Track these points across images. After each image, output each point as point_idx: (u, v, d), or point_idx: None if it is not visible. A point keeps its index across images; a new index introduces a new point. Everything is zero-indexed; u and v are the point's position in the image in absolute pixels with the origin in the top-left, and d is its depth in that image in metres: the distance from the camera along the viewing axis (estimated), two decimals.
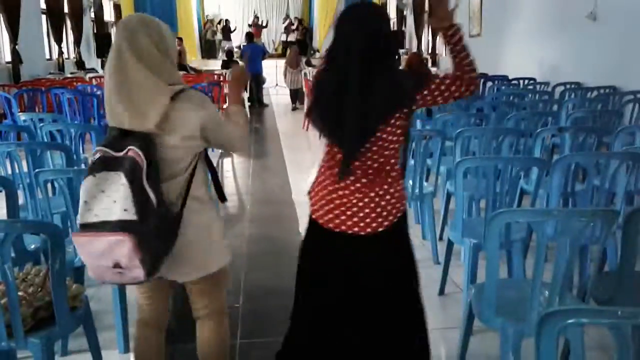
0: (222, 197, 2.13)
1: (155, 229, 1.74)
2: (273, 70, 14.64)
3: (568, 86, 6.78)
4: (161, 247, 1.79)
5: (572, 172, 3.36)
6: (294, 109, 12.09)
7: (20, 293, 2.03)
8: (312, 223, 2.08)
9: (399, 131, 1.92)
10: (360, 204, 1.96)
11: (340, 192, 1.98)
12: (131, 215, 1.68)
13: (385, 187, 1.96)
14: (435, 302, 3.22)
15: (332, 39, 1.94)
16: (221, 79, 10.54)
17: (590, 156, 3.09)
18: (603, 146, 4.09)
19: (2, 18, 9.80)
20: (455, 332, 2.67)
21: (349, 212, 1.97)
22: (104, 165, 1.72)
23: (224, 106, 9.56)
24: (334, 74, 1.91)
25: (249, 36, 13.26)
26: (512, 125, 4.35)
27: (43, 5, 11.74)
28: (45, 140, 4.13)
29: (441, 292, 3.30)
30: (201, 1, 22.30)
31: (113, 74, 1.80)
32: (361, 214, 1.96)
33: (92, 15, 14.75)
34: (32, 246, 2.85)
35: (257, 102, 12.28)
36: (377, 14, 1.98)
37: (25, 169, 3.35)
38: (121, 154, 1.73)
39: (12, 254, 2.25)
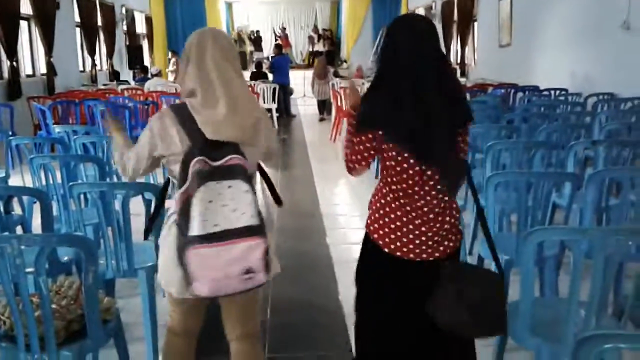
0: (278, 201, 2.15)
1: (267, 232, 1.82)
2: (301, 80, 14.73)
3: (601, 97, 6.65)
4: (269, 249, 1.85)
5: (607, 187, 3.28)
6: (321, 119, 12.13)
7: (53, 306, 2.05)
8: (380, 252, 1.99)
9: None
10: (446, 226, 1.94)
11: (426, 215, 1.92)
12: (257, 220, 1.75)
13: (455, 205, 1.97)
14: None
15: (390, 52, 1.89)
16: (250, 90, 10.62)
17: (625, 170, 3.02)
18: (638, 160, 4.00)
19: (38, 31, 10.07)
20: (488, 350, 2.61)
21: (435, 238, 1.93)
22: (209, 175, 1.75)
23: None
24: (404, 84, 1.82)
25: (278, 47, 13.36)
26: (544, 138, 4.28)
27: (77, 19, 12.02)
28: (79, 151, 4.21)
29: None
30: (230, 13, 22.59)
31: (224, 90, 1.85)
32: (443, 237, 1.94)
33: (125, 27, 15.05)
34: (65, 258, 2.89)
35: (285, 113, 12.34)
36: (431, 23, 1.99)
37: (59, 180, 3.42)
38: (220, 162, 1.76)
39: (46, 266, 2.28)
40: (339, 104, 9.61)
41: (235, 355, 2.12)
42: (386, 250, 1.95)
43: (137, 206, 3.05)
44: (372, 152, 1.92)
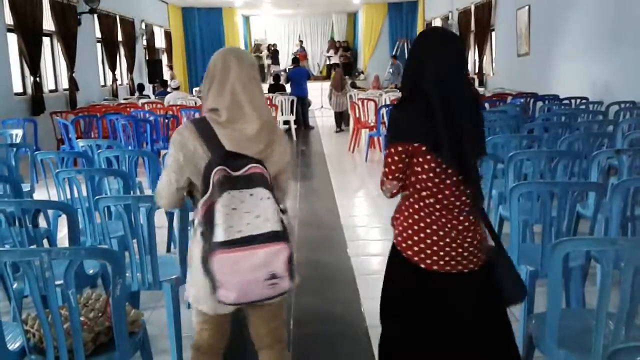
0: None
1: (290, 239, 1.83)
2: (318, 92, 14.79)
3: (623, 105, 6.58)
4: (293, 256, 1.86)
5: (632, 196, 3.24)
6: (338, 131, 12.15)
7: (81, 318, 2.08)
8: (411, 266, 1.98)
9: None
10: (478, 237, 1.97)
11: (460, 228, 1.95)
12: (280, 226, 1.77)
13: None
14: None
15: (417, 67, 1.91)
16: (268, 102, 10.71)
17: None
18: None
19: (60, 47, 10.26)
20: None
21: (470, 249, 1.95)
22: (231, 184, 1.77)
23: None
24: (436, 96, 1.84)
25: (295, 60, 13.44)
26: (566, 147, 4.25)
27: (98, 34, 12.22)
28: (103, 165, 4.27)
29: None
30: (248, 27, 22.80)
31: (252, 108, 1.90)
32: (477, 248, 1.96)
33: (144, 42, 15.26)
34: (90, 271, 2.93)
35: (303, 125, 12.39)
36: (457, 36, 2.06)
37: (84, 193, 3.47)
38: (241, 172, 1.79)
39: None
40: (357, 115, 9.63)
41: None
42: (422, 265, 1.95)
43: (160, 219, 3.09)
44: (406, 166, 1.94)
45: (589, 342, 1.94)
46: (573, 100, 7.63)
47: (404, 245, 1.99)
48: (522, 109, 7.35)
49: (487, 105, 7.55)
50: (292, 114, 11.47)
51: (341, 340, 3.16)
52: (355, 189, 7.19)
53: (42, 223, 4.01)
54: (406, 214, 2.00)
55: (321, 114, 14.82)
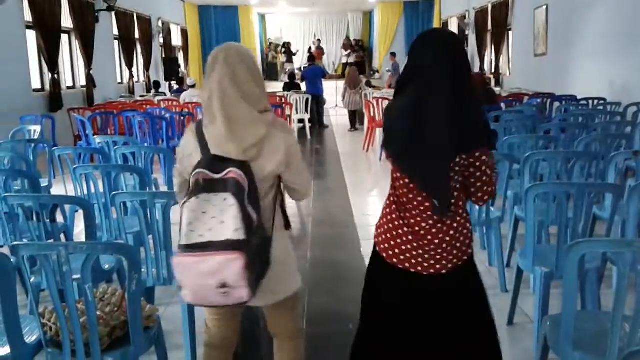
0: (287, 224, 2.11)
1: (257, 249, 1.79)
2: (333, 91, 14.77)
3: None
4: (260, 269, 1.84)
5: None
6: (352, 130, 12.14)
7: (98, 312, 2.10)
8: (384, 264, 2.00)
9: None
10: (454, 241, 1.92)
11: (429, 230, 1.91)
12: (241, 235, 1.72)
13: (458, 220, 1.93)
14: (504, 333, 3.11)
15: (412, 67, 1.87)
16: (283, 100, 10.72)
17: None
18: None
19: (78, 44, 10.36)
20: None
21: (437, 253, 1.92)
22: (206, 187, 1.78)
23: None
24: (423, 98, 1.79)
25: (310, 58, 13.43)
26: (583, 148, 4.21)
27: (116, 32, 12.32)
28: (119, 161, 4.32)
29: (510, 322, 3.20)
30: (264, 25, 22.84)
31: (221, 110, 1.86)
32: (443, 251, 1.92)
33: (161, 40, 15.35)
34: (106, 266, 2.96)
35: (318, 123, 12.39)
36: (457, 38, 1.99)
37: (101, 189, 3.50)
38: (220, 175, 1.79)
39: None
40: (372, 114, 9.62)
41: (277, 351, 2.19)
42: (395, 260, 1.96)
43: (175, 216, 3.10)
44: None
45: (604, 344, 1.93)
46: (590, 101, 7.55)
47: (379, 239, 2.02)
48: (538, 109, 7.29)
49: (503, 105, 7.49)
50: (307, 113, 11.48)
51: (353, 339, 3.16)
52: (369, 188, 7.18)
53: (59, 218, 4.07)
54: (386, 211, 2.01)
55: (336, 113, 14.80)
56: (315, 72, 12.48)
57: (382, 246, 2.00)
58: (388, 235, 1.97)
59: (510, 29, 12.27)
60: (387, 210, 2.00)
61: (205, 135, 1.89)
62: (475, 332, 2.01)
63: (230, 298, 1.75)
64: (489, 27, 13.10)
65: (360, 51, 20.83)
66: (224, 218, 1.73)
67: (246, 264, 1.70)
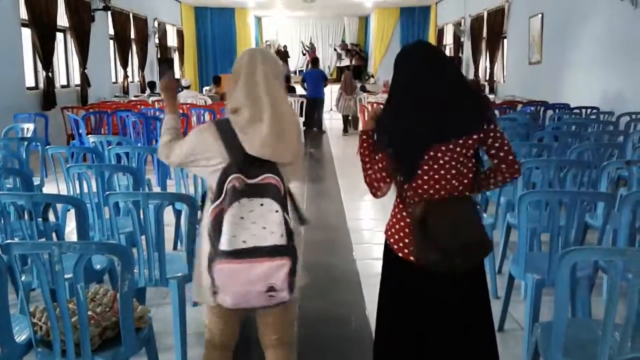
0: (302, 221, 2.11)
1: (296, 252, 1.83)
2: (328, 95, 14.78)
3: (634, 116, 6.54)
4: (296, 268, 1.85)
5: None
6: (346, 134, 12.18)
7: (89, 312, 2.09)
8: (393, 255, 2.06)
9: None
10: None
11: None
12: (285, 240, 1.76)
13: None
14: None
15: (400, 82, 1.98)
16: None
17: None
18: None
19: (73, 43, 10.33)
20: None
21: None
22: (244, 192, 1.79)
23: None
24: (405, 104, 1.95)
25: (314, 62, 13.42)
26: (576, 157, 4.23)
27: (111, 31, 12.29)
28: (112, 161, 4.30)
29: (500, 328, 3.21)
30: (260, 28, 22.85)
31: (271, 107, 1.87)
32: None
33: (156, 40, 15.33)
34: (98, 266, 2.95)
35: (318, 127, 12.35)
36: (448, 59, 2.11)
37: (94, 189, 3.49)
38: (256, 180, 1.80)
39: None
40: (366, 118, 9.63)
41: None
42: (400, 255, 2.02)
43: (168, 217, 3.10)
44: (388, 170, 1.99)
45: (594, 352, 1.94)
46: (584, 110, 7.60)
47: (388, 233, 2.09)
48: (532, 117, 7.33)
49: (497, 112, 7.53)
50: (302, 116, 11.48)
51: (346, 343, 3.16)
52: (362, 193, 7.16)
53: (50, 217, 4.04)
54: (394, 210, 2.09)
55: (330, 117, 14.81)
56: (318, 76, 12.45)
57: (391, 239, 2.06)
58: (398, 235, 2.03)
59: (505, 37, 12.34)
60: (396, 209, 2.07)
61: (238, 135, 1.87)
62: (478, 330, 2.08)
63: (275, 300, 1.81)
64: (484, 34, 13.16)
65: (357, 55, 20.87)
66: (265, 224, 1.75)
67: (292, 268, 1.77)
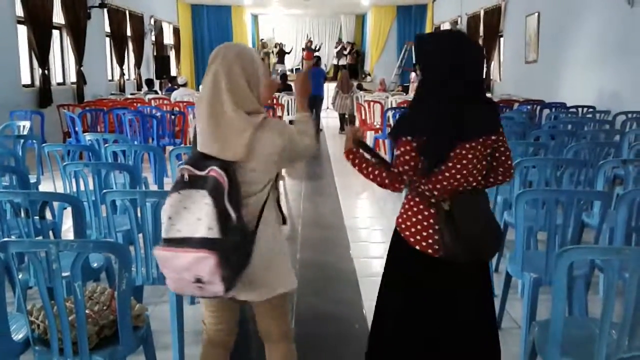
0: (283, 220, 2.14)
1: (234, 246, 1.80)
2: (325, 93, 14.78)
3: (630, 116, 6.57)
4: (239, 264, 1.85)
5: (637, 207, 3.24)
6: (342, 132, 12.22)
7: (86, 311, 2.09)
8: (407, 246, 2.09)
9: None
10: None
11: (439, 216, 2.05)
12: (215, 234, 1.76)
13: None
14: None
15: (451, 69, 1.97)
16: (274, 102, 10.71)
17: None
18: None
19: (69, 40, 10.29)
20: None
21: None
22: (189, 183, 1.81)
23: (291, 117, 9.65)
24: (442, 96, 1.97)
25: (317, 59, 13.42)
26: (572, 156, 4.25)
27: (107, 29, 12.26)
28: (109, 159, 4.29)
29: (497, 327, 3.22)
30: (256, 25, 22.83)
31: (208, 106, 1.89)
32: None
33: (153, 38, 15.29)
34: (95, 264, 2.94)
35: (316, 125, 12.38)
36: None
37: (91, 187, 3.48)
38: (204, 172, 1.81)
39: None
40: (363, 117, 9.64)
41: (270, 355, 2.17)
42: (417, 247, 2.05)
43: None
44: (414, 159, 2.00)
45: (592, 350, 1.94)
46: (580, 109, 7.63)
47: (403, 226, 2.10)
48: (528, 116, 7.34)
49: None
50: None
51: (342, 341, 3.17)
52: (358, 191, 7.18)
53: (47, 215, 4.03)
54: (408, 197, 2.11)
55: (326, 115, 14.81)
56: (319, 74, 12.45)
57: (407, 234, 2.08)
58: (413, 228, 2.06)
59: (502, 35, 12.36)
60: (411, 202, 2.08)
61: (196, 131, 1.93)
62: (485, 326, 2.15)
63: (205, 292, 1.82)
64: (481, 32, 13.18)
65: (354, 53, 20.86)
66: (201, 215, 1.77)
67: (218, 262, 1.74)
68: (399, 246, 2.14)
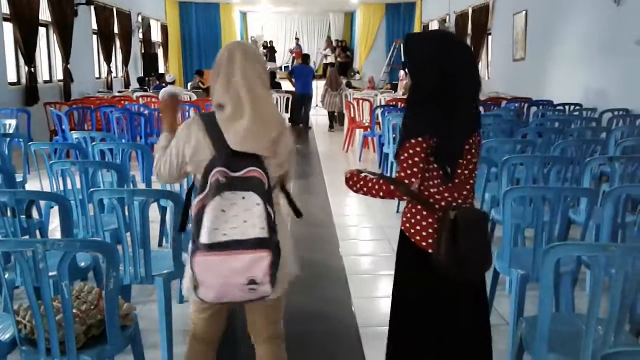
0: (298, 213, 2.13)
1: (277, 244, 1.82)
2: (314, 91, 14.78)
3: (616, 113, 6.63)
4: (278, 262, 1.85)
5: (623, 204, 3.27)
6: (331, 130, 12.22)
7: (74, 310, 2.07)
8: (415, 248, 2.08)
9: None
10: None
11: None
12: (266, 233, 1.76)
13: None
14: None
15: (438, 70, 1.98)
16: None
17: None
18: None
19: (55, 38, 10.20)
20: None
21: None
22: (227, 185, 1.78)
23: None
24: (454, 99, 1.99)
25: (305, 57, 13.40)
26: (559, 153, 4.28)
27: (94, 26, 12.16)
28: (96, 158, 4.26)
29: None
30: (245, 23, 22.75)
31: (251, 103, 1.88)
32: None
33: (140, 35, 15.20)
34: (82, 263, 2.92)
35: (304, 124, 12.35)
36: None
37: (78, 185, 3.45)
38: (240, 173, 1.80)
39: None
40: (352, 114, 9.64)
41: (260, 355, 2.16)
42: (430, 250, 2.03)
43: (152, 214, 3.08)
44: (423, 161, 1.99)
45: (579, 346, 1.96)
46: (567, 107, 7.68)
47: (412, 231, 2.07)
48: (516, 113, 7.38)
49: (481, 109, 7.58)
50: (287, 112, 11.46)
51: (331, 339, 3.17)
52: (348, 189, 7.18)
53: (34, 214, 3.99)
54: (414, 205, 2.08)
55: (315, 112, 14.79)
56: (308, 72, 12.43)
57: (417, 238, 2.06)
58: (424, 232, 2.05)
59: (489, 33, 12.41)
60: (419, 206, 2.06)
61: (222, 130, 1.88)
62: (482, 326, 2.16)
63: (256, 293, 1.81)
64: (469, 30, 13.22)
65: (343, 51, 20.86)
66: (246, 216, 1.75)
67: (272, 261, 1.76)
68: (406, 247, 2.12)
